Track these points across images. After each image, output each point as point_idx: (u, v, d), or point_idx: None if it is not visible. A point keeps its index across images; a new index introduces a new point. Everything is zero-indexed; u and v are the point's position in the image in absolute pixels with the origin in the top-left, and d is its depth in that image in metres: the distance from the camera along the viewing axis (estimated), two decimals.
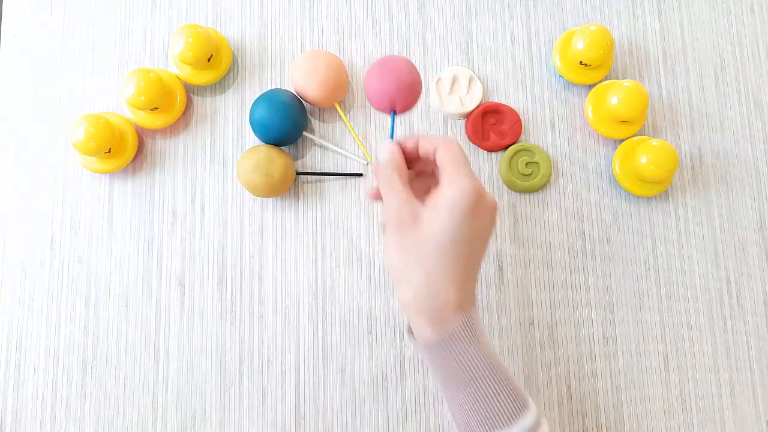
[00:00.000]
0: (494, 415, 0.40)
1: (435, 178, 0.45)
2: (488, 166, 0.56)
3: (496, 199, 0.55)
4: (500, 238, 0.54)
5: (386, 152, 0.44)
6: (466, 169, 0.42)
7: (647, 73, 0.57)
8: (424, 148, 0.44)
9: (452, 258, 0.40)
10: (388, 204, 0.42)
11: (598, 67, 0.55)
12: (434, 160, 0.43)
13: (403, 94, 0.55)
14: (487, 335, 0.44)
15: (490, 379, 0.40)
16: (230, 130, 0.56)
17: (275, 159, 0.52)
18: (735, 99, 0.57)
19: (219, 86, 0.57)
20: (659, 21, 0.58)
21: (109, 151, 0.52)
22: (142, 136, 0.56)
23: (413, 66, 0.57)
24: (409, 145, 0.44)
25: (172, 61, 0.55)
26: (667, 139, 0.56)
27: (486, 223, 0.42)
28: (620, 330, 0.53)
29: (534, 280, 0.54)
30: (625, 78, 0.57)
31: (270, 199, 0.55)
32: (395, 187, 0.42)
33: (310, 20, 0.58)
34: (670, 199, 0.55)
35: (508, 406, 0.40)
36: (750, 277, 0.54)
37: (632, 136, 0.55)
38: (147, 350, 0.53)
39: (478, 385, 0.40)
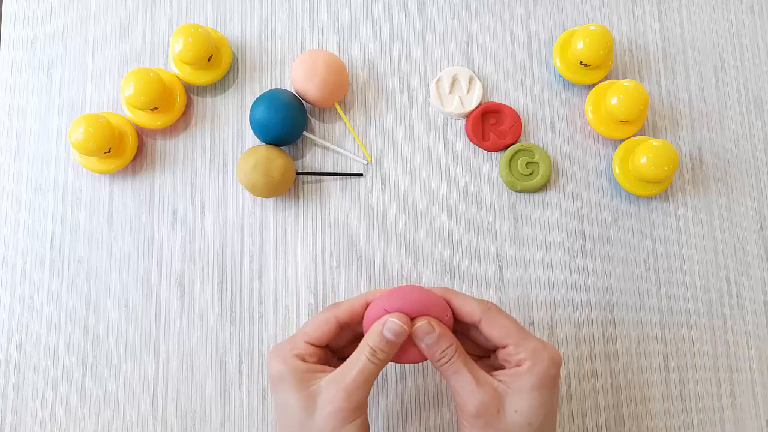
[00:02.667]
0: None
1: (473, 339, 0.42)
2: (488, 166, 0.56)
3: (496, 198, 0.55)
4: (500, 238, 0.54)
5: (426, 333, 0.38)
6: (531, 334, 0.38)
7: (647, 73, 0.57)
8: (462, 312, 0.40)
9: None
10: (461, 395, 0.38)
11: (598, 67, 0.55)
12: (476, 326, 0.39)
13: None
14: None
15: None
16: (230, 130, 0.56)
17: (275, 159, 0.52)
18: (735, 99, 0.57)
19: (219, 86, 0.57)
20: (659, 21, 0.58)
21: (109, 151, 0.52)
22: (142, 136, 0.56)
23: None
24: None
25: (172, 61, 0.55)
26: (667, 139, 0.56)
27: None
28: (620, 330, 0.53)
29: (534, 280, 0.54)
30: (625, 78, 0.57)
31: (270, 199, 0.55)
32: (467, 379, 0.37)
33: (310, 20, 0.58)
34: (670, 199, 0.55)
35: None
36: (750, 277, 0.54)
37: (632, 136, 0.55)
38: (147, 350, 0.53)
39: None
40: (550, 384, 0.38)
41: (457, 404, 0.39)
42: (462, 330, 0.42)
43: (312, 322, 0.41)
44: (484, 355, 0.43)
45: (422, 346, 0.39)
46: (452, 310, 0.40)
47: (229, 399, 0.52)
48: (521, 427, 0.37)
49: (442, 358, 0.38)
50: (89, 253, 0.54)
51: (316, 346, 0.41)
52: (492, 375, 0.39)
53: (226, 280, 0.54)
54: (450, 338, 0.39)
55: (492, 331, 0.39)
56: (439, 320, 0.39)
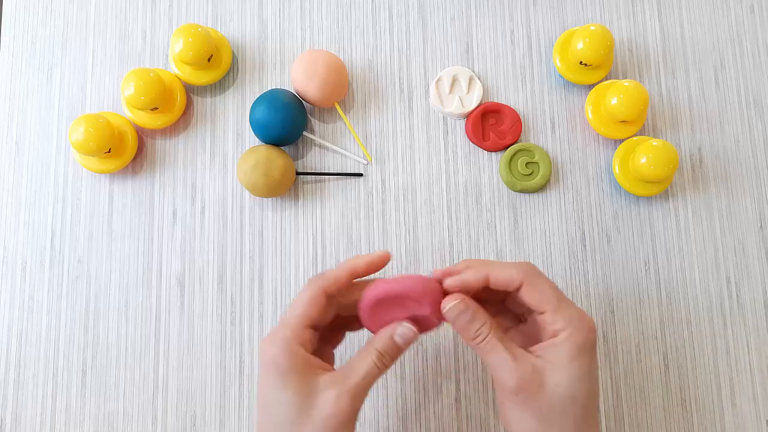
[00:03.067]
0: None
1: (506, 306, 0.40)
2: (488, 166, 0.56)
3: (496, 198, 0.55)
4: (500, 238, 0.54)
5: (458, 313, 0.37)
6: (569, 301, 0.37)
7: (647, 73, 0.57)
8: (500, 281, 0.38)
9: (583, 417, 0.36)
10: (499, 372, 0.37)
11: (598, 67, 0.55)
12: (514, 293, 0.38)
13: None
14: None
15: None
16: (230, 130, 0.56)
17: (275, 159, 0.52)
18: (735, 99, 0.57)
19: (219, 86, 0.57)
20: (659, 21, 0.58)
21: (109, 151, 0.52)
22: (142, 136, 0.56)
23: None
24: (473, 283, 0.38)
25: (172, 61, 0.55)
26: (667, 139, 0.56)
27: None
28: (620, 330, 0.53)
29: None
30: (625, 78, 0.57)
31: (270, 199, 0.55)
32: (503, 357, 0.36)
33: (310, 20, 0.58)
34: (670, 199, 0.55)
35: None
36: (750, 277, 0.54)
37: (632, 136, 0.55)
38: (147, 350, 0.53)
39: None
40: (589, 353, 0.36)
41: (497, 382, 0.38)
42: (497, 299, 0.41)
43: (301, 301, 0.39)
44: (512, 325, 0.42)
45: (455, 326, 0.38)
46: (489, 280, 0.38)
47: (229, 399, 0.52)
48: (563, 400, 0.35)
49: (477, 336, 0.37)
50: (89, 253, 0.54)
51: (314, 328, 0.39)
52: (529, 351, 0.37)
53: (226, 280, 0.54)
54: (483, 316, 0.38)
55: (532, 296, 0.37)
56: (436, 306, 0.39)
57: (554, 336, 0.37)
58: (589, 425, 0.36)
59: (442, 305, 0.38)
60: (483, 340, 0.37)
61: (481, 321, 0.38)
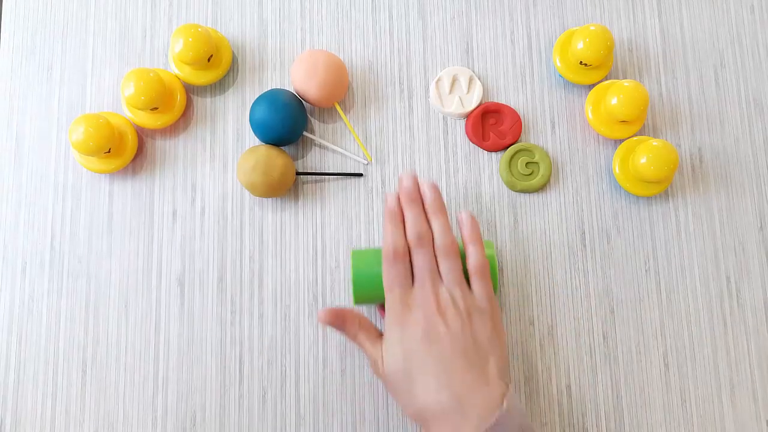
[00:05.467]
0: None
1: None
2: (488, 166, 0.56)
3: (496, 198, 0.55)
4: (500, 238, 0.54)
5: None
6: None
7: (647, 73, 0.57)
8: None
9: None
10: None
11: (598, 67, 0.55)
12: None
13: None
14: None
15: None
16: (230, 130, 0.56)
17: (275, 159, 0.52)
18: (735, 99, 0.57)
19: (219, 86, 0.57)
20: (659, 21, 0.58)
21: (109, 151, 0.52)
22: (142, 136, 0.56)
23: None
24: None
25: (172, 61, 0.55)
26: (667, 139, 0.56)
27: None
28: (620, 330, 0.53)
29: (534, 280, 0.54)
30: (625, 78, 0.57)
31: (270, 199, 0.55)
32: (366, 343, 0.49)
33: (310, 20, 0.58)
34: (670, 199, 0.55)
35: None
36: (750, 277, 0.54)
37: (632, 136, 0.55)
38: (147, 350, 0.53)
39: None
40: (396, 321, 0.45)
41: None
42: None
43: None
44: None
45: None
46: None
47: (229, 399, 0.52)
48: (392, 374, 0.45)
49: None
50: (89, 253, 0.54)
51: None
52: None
53: (226, 280, 0.54)
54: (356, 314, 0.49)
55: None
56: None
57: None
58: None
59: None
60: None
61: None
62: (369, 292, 0.48)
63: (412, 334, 0.44)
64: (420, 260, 0.46)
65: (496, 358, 0.44)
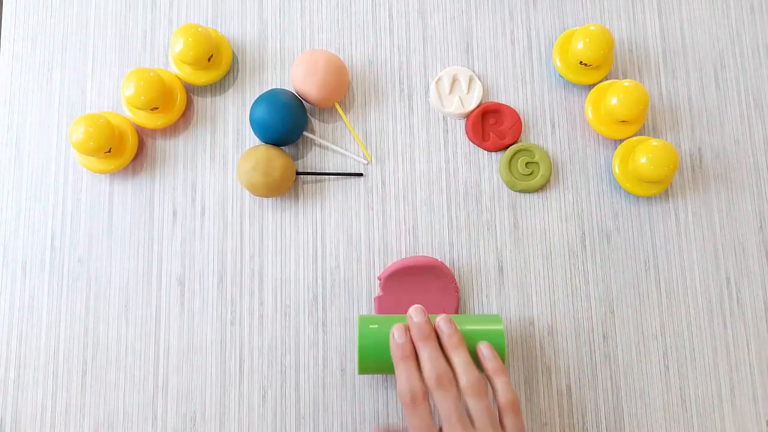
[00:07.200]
0: None
1: None
2: (488, 166, 0.56)
3: (496, 198, 0.55)
4: (500, 238, 0.54)
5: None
6: None
7: (647, 73, 0.57)
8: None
9: None
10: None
11: (598, 67, 0.55)
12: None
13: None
14: None
15: None
16: (230, 130, 0.56)
17: (275, 159, 0.52)
18: (735, 99, 0.57)
19: (219, 86, 0.57)
20: (659, 21, 0.58)
21: (109, 151, 0.52)
22: (142, 136, 0.56)
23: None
24: None
25: (172, 61, 0.55)
26: (667, 139, 0.56)
27: None
28: (620, 330, 0.53)
29: (534, 280, 0.54)
30: (625, 78, 0.57)
31: (270, 199, 0.55)
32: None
33: (310, 20, 0.58)
34: (670, 199, 0.55)
35: None
36: (750, 277, 0.54)
37: (632, 136, 0.55)
38: (147, 350, 0.53)
39: None
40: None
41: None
42: None
43: None
44: None
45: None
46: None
47: (229, 399, 0.52)
48: None
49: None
50: (89, 253, 0.54)
51: None
52: None
53: (226, 280, 0.54)
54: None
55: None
56: None
57: None
58: None
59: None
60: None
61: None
62: (375, 368, 0.47)
63: None
64: (446, 404, 0.42)
65: None
